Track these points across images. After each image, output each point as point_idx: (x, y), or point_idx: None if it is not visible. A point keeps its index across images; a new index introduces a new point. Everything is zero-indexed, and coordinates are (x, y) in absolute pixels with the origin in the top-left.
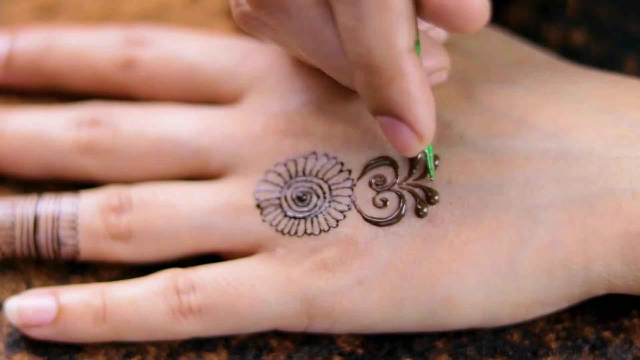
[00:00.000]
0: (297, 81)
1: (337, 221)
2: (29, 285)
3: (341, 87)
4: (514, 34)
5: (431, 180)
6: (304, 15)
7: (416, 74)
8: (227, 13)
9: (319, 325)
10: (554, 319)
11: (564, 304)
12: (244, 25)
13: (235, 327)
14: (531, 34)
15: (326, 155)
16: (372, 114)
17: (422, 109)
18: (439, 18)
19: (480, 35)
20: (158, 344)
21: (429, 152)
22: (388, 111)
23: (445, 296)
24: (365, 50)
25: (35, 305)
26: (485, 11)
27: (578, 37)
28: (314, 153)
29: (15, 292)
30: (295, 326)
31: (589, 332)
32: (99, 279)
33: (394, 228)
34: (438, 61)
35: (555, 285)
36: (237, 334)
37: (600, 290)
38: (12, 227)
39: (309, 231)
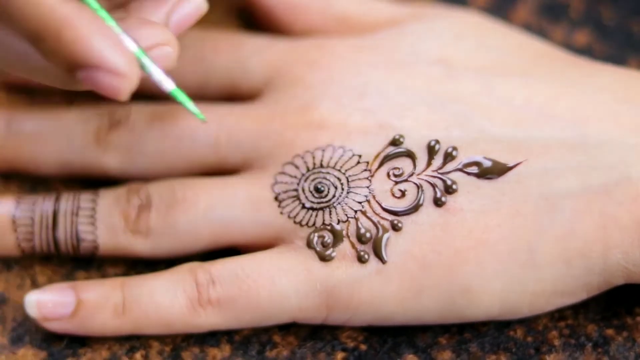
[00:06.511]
0: (311, 75)
1: (355, 212)
2: (33, 281)
3: (356, 80)
4: None
5: (203, 121)
6: None
7: (81, 17)
8: (234, 12)
9: (338, 316)
10: (557, 316)
11: (582, 294)
12: None
13: (254, 320)
14: (535, 34)
15: (343, 147)
16: (70, 74)
17: (104, 47)
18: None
19: (497, 32)
20: (161, 339)
21: (180, 98)
22: (76, 64)
23: (464, 285)
24: (21, 16)
25: (55, 299)
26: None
27: (582, 37)
28: (331, 145)
29: (20, 287)
30: (314, 318)
31: (592, 329)
32: (104, 274)
33: (413, 217)
34: (156, 37)
35: (574, 273)
36: (256, 326)
37: (618, 279)
38: (32, 223)
39: (327, 222)
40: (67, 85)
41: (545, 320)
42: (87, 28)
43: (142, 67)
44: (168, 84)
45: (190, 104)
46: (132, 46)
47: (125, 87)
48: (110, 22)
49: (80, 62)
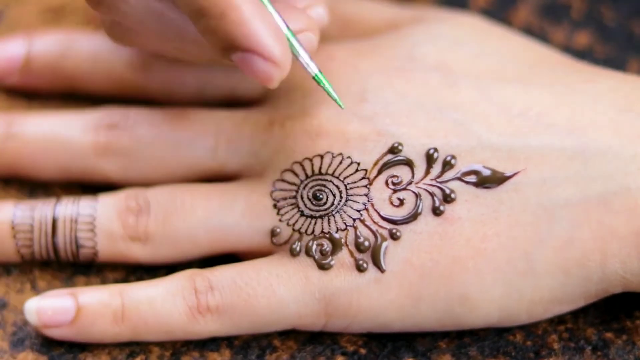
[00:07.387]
0: (309, 81)
1: (354, 220)
2: (33, 285)
3: (355, 87)
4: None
5: (342, 108)
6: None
7: (247, 2)
8: None
9: (337, 324)
10: (556, 320)
11: (580, 302)
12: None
13: (253, 327)
14: (536, 35)
15: (341, 154)
16: (224, 57)
17: (265, 34)
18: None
19: (496, 36)
20: (161, 344)
21: (323, 82)
22: (233, 46)
23: (463, 293)
24: None
25: (55, 306)
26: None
27: (583, 38)
28: (330, 152)
29: (20, 292)
30: (313, 325)
31: (592, 333)
32: (104, 280)
33: (411, 226)
34: (301, 23)
35: (572, 282)
36: (255, 333)
37: (616, 288)
38: (31, 229)
39: (325, 230)
40: (214, 64)
41: (545, 324)
42: (251, 12)
43: (290, 48)
44: (312, 68)
45: (331, 90)
46: (284, 29)
47: (277, 75)
48: (269, 7)
49: (238, 45)
